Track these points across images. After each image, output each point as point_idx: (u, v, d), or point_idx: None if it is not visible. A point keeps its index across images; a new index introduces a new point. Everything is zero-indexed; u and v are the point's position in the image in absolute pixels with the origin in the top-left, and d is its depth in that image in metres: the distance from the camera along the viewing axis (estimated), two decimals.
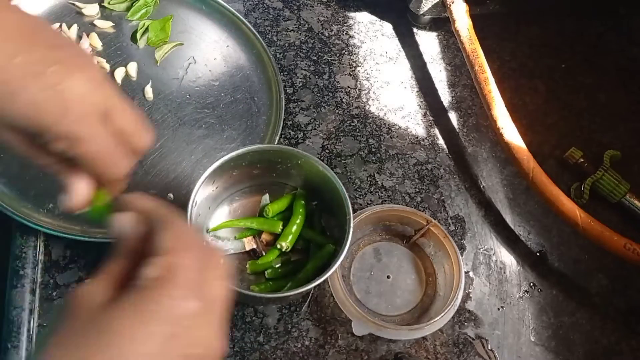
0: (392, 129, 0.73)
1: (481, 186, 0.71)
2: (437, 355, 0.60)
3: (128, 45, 0.70)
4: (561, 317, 0.64)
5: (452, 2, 0.72)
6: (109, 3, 0.71)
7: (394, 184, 0.69)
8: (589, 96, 0.79)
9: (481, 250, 0.67)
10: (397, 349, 0.59)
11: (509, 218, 0.69)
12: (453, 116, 0.75)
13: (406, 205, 0.67)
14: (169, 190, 0.63)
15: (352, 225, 0.55)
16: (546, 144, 0.74)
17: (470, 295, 0.63)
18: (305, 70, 0.75)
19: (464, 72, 0.78)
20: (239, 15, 0.73)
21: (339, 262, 0.53)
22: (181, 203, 0.60)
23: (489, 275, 0.65)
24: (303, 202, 0.61)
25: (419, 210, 0.66)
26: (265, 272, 0.59)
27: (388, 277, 0.62)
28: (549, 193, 0.63)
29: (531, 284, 0.65)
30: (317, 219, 0.62)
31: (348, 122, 0.72)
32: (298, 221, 0.60)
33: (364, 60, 0.77)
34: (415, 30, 0.81)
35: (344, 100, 0.74)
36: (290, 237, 0.59)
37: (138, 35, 0.70)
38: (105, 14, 0.72)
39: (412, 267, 0.63)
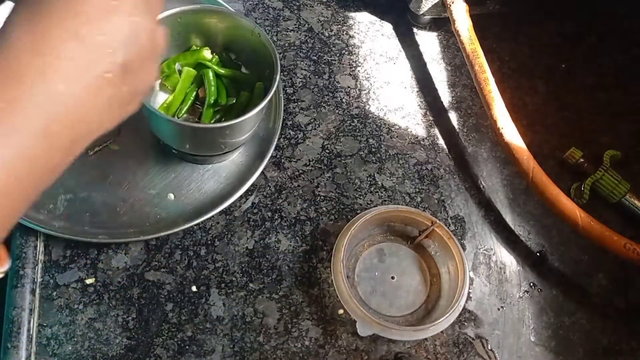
0: (392, 129, 0.73)
1: (481, 186, 0.71)
2: (437, 355, 0.60)
3: None
4: (561, 317, 0.64)
5: (452, 2, 0.72)
6: None
7: (394, 184, 0.69)
8: (589, 96, 0.79)
9: (481, 250, 0.67)
10: (397, 349, 0.59)
11: (509, 218, 0.69)
12: (453, 116, 0.75)
13: (406, 205, 0.67)
14: (169, 190, 0.63)
15: (278, 56, 0.60)
16: (546, 144, 0.74)
17: (470, 295, 0.63)
18: (305, 70, 0.75)
19: (464, 72, 0.78)
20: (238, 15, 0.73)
21: (274, 87, 0.58)
22: (181, 202, 0.61)
23: (489, 275, 0.65)
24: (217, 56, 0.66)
25: (419, 210, 0.66)
26: (201, 115, 0.63)
27: (392, 277, 0.62)
28: (549, 193, 0.63)
29: (531, 284, 0.65)
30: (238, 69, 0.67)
31: (348, 122, 0.72)
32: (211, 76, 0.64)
33: (364, 60, 0.77)
34: (415, 30, 0.81)
35: (344, 100, 0.74)
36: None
37: None
38: None
39: (416, 268, 0.63)
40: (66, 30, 0.31)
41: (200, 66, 0.65)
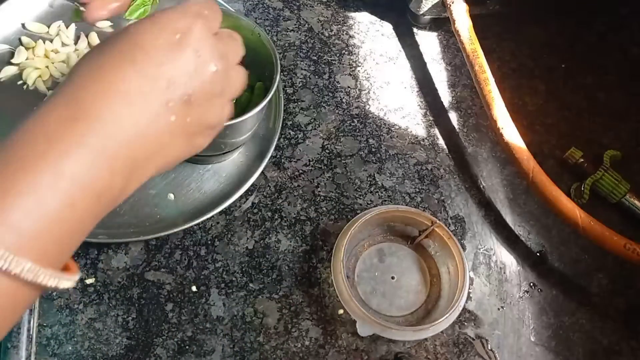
0: (392, 129, 0.73)
1: (481, 186, 0.71)
2: (437, 355, 0.60)
3: None
4: (561, 317, 0.64)
5: (452, 2, 0.72)
6: None
7: (394, 184, 0.69)
8: (589, 96, 0.79)
9: (481, 250, 0.67)
10: (397, 349, 0.59)
11: (509, 218, 0.69)
12: (453, 116, 0.75)
13: (406, 205, 0.67)
14: (169, 190, 0.63)
15: (278, 56, 0.60)
16: (546, 144, 0.74)
17: (471, 295, 0.63)
18: (305, 70, 0.75)
19: (464, 72, 0.78)
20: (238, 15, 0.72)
21: (274, 87, 0.58)
22: (181, 202, 0.61)
23: (489, 275, 0.65)
24: None
25: (419, 210, 0.66)
26: None
27: (392, 277, 0.62)
28: (549, 193, 0.63)
29: (531, 284, 0.65)
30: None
31: (348, 122, 0.72)
32: None
33: (364, 60, 0.77)
34: (415, 30, 0.81)
35: (344, 100, 0.74)
36: None
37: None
38: None
39: (417, 268, 0.63)
40: (125, 60, 0.33)
41: None
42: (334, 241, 0.61)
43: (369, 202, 0.67)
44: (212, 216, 0.62)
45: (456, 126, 0.74)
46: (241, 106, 0.64)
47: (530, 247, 0.68)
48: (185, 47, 0.35)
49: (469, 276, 0.64)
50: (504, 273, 0.66)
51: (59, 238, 0.29)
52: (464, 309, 0.62)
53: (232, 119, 0.58)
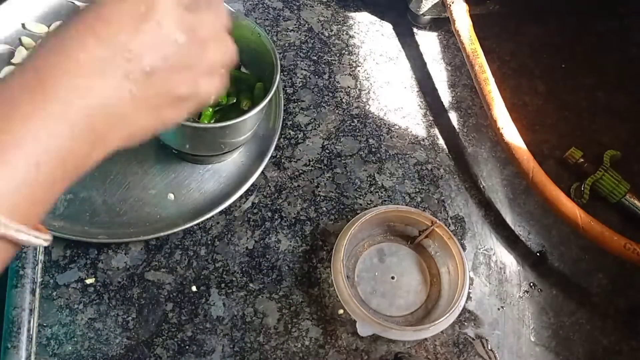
0: (392, 129, 0.73)
1: (481, 186, 0.71)
2: (437, 355, 0.60)
3: None
4: (561, 317, 0.64)
5: (452, 2, 0.72)
6: None
7: (394, 184, 0.69)
8: (589, 96, 0.79)
9: (481, 250, 0.67)
10: (397, 349, 0.59)
11: (509, 218, 0.69)
12: (453, 116, 0.75)
13: (406, 205, 0.67)
14: (169, 190, 0.63)
15: (278, 56, 0.61)
16: (546, 144, 0.74)
17: (471, 295, 0.63)
18: (305, 70, 0.75)
19: (464, 72, 0.78)
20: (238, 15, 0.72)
21: (274, 87, 0.58)
22: (181, 202, 0.61)
23: (489, 275, 0.65)
24: None
25: (419, 210, 0.66)
26: (201, 114, 0.63)
27: (392, 277, 0.62)
28: (549, 193, 0.63)
29: (531, 284, 0.65)
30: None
31: (348, 122, 0.72)
32: None
33: (364, 60, 0.77)
34: (415, 30, 0.81)
35: (344, 100, 0.74)
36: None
37: None
38: None
39: (417, 268, 0.63)
40: (86, 30, 0.33)
41: None
42: (334, 241, 0.61)
43: (369, 202, 0.67)
44: (212, 216, 0.62)
45: (456, 126, 0.74)
46: (241, 106, 0.64)
47: (530, 247, 0.68)
48: (148, 19, 0.34)
49: (469, 276, 0.64)
50: (504, 273, 0.66)
51: (28, 197, 0.31)
52: (464, 309, 0.62)
53: (232, 119, 0.58)
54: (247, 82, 0.65)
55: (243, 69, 0.67)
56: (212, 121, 0.64)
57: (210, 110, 0.64)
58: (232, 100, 0.64)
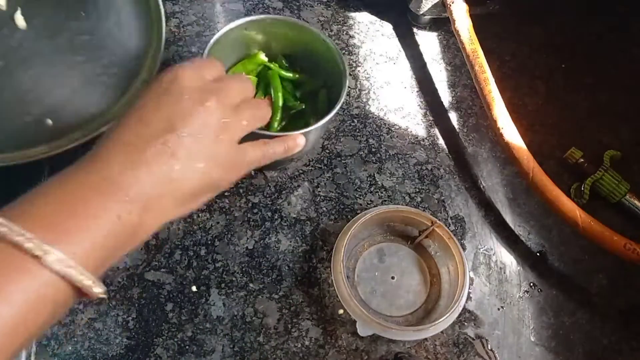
0: (392, 129, 0.73)
1: (481, 186, 0.71)
2: (437, 355, 0.60)
3: None
4: (561, 317, 0.64)
5: (452, 2, 0.72)
6: None
7: (394, 184, 0.69)
8: (589, 96, 0.79)
9: (481, 250, 0.67)
10: (397, 349, 0.59)
11: (509, 218, 0.69)
12: (453, 116, 0.75)
13: (406, 205, 0.67)
14: (46, 115, 0.60)
15: (347, 65, 0.62)
16: (546, 144, 0.74)
17: (471, 295, 0.64)
18: None
19: (464, 72, 0.78)
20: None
21: (342, 99, 0.60)
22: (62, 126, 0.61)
23: (489, 275, 0.65)
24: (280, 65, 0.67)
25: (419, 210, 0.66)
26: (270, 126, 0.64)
27: (392, 277, 0.62)
28: (549, 193, 0.63)
29: (531, 284, 0.65)
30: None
31: (348, 122, 0.72)
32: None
33: (364, 60, 0.77)
34: (415, 30, 0.81)
35: (344, 100, 0.73)
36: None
37: None
38: None
39: (417, 268, 0.63)
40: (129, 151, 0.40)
41: (262, 74, 0.66)
42: (334, 241, 0.61)
43: (369, 202, 0.67)
44: (212, 216, 0.62)
45: (456, 126, 0.74)
46: (309, 111, 0.65)
47: (530, 247, 0.68)
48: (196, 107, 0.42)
49: (469, 276, 0.64)
50: (504, 273, 0.66)
51: (101, 257, 0.37)
52: (464, 309, 0.62)
53: (300, 125, 0.60)
54: (311, 87, 0.66)
55: (303, 74, 0.67)
56: (279, 128, 0.64)
57: (278, 115, 0.64)
58: (301, 106, 0.65)
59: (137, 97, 0.42)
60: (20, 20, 0.61)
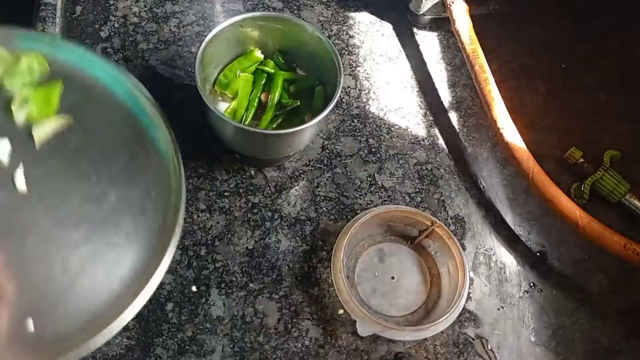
0: (392, 129, 0.73)
1: (481, 186, 0.71)
2: (437, 355, 0.60)
3: (2, 119, 0.51)
4: (561, 317, 0.64)
5: (452, 2, 0.72)
6: None
7: (394, 184, 0.69)
8: (589, 96, 0.79)
9: (481, 250, 0.67)
10: (397, 349, 0.59)
11: (509, 218, 0.69)
12: (453, 116, 0.75)
13: (406, 205, 0.67)
14: (28, 313, 0.45)
15: (342, 61, 0.62)
16: (546, 144, 0.74)
17: (471, 295, 0.63)
18: None
19: (464, 72, 0.78)
20: (149, 97, 0.54)
21: (337, 94, 0.60)
22: (44, 332, 0.45)
23: (489, 275, 0.65)
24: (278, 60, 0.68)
25: (419, 210, 0.66)
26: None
27: (392, 277, 0.62)
28: (549, 193, 0.63)
29: (531, 284, 0.65)
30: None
31: (348, 122, 0.72)
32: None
33: (364, 60, 0.77)
34: (415, 30, 0.81)
35: (344, 100, 0.73)
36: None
37: (14, 107, 0.51)
38: None
39: (417, 268, 0.63)
40: None
41: (258, 71, 0.67)
42: (334, 241, 0.61)
43: (369, 202, 0.67)
44: (212, 216, 0.62)
45: (456, 126, 0.74)
46: (302, 109, 0.65)
47: (530, 247, 0.68)
48: None
49: (469, 276, 0.64)
50: (504, 273, 0.66)
51: None
52: (464, 309, 0.62)
53: (295, 122, 0.59)
54: (306, 84, 0.66)
55: (299, 71, 0.68)
56: (274, 125, 0.65)
57: (270, 113, 0.64)
58: (296, 103, 0.65)
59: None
60: (20, 181, 0.50)
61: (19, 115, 0.52)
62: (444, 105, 0.76)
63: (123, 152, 0.52)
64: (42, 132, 0.52)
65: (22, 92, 0.52)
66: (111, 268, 0.47)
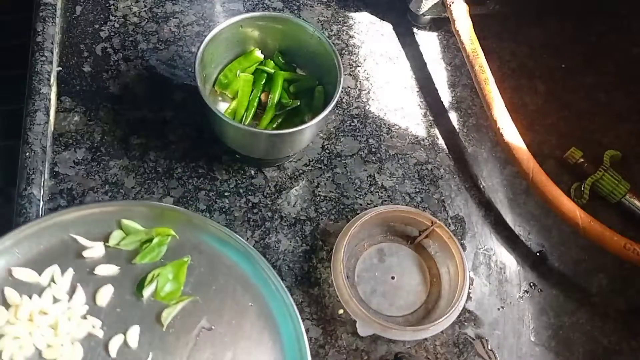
0: (392, 129, 0.73)
1: (481, 186, 0.71)
2: (437, 355, 0.60)
3: (131, 300, 0.54)
4: (561, 317, 0.64)
5: (452, 2, 0.72)
6: (115, 243, 0.56)
7: (394, 184, 0.69)
8: (589, 96, 0.79)
9: (481, 250, 0.67)
10: (397, 349, 0.59)
11: (509, 218, 0.69)
12: (453, 116, 0.75)
13: (406, 205, 0.67)
14: None
15: (341, 60, 0.62)
16: (546, 144, 0.74)
17: (471, 295, 0.63)
18: None
19: (464, 72, 0.78)
20: (282, 287, 0.55)
21: (339, 90, 0.60)
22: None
23: (489, 275, 0.65)
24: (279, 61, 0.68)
25: (419, 210, 0.66)
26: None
27: (392, 277, 0.62)
28: (549, 193, 0.63)
29: (531, 284, 0.65)
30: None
31: (348, 122, 0.72)
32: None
33: (364, 60, 0.77)
34: (415, 30, 0.81)
35: (344, 100, 0.74)
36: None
37: (143, 285, 0.54)
38: (109, 255, 0.56)
39: (417, 268, 0.63)
40: None
41: (258, 71, 0.67)
42: (334, 241, 0.61)
43: (369, 202, 0.67)
44: (212, 216, 0.62)
45: (456, 126, 0.74)
46: (302, 109, 0.66)
47: (530, 247, 0.68)
48: None
49: (469, 276, 0.64)
50: (504, 273, 0.66)
51: None
52: (464, 309, 0.62)
53: (296, 122, 0.59)
54: (306, 84, 0.67)
55: (299, 71, 0.68)
56: (274, 125, 0.65)
57: (270, 113, 0.65)
58: (296, 103, 0.65)
59: None
60: None
61: (146, 293, 0.54)
62: (444, 105, 0.76)
63: (248, 340, 0.54)
64: (168, 313, 0.54)
65: (151, 271, 0.55)
66: None
